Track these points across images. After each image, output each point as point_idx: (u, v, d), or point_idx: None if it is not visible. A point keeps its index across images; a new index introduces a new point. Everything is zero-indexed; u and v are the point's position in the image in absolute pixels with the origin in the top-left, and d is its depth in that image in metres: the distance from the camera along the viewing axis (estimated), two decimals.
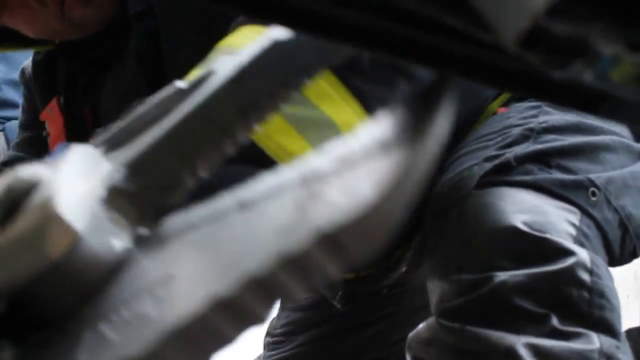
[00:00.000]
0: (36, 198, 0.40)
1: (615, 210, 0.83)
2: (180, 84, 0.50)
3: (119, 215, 0.44)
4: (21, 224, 0.40)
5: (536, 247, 0.75)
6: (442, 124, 0.33)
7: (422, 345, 0.80)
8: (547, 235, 0.76)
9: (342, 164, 0.34)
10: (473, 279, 0.75)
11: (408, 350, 0.82)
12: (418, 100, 0.35)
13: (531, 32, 0.26)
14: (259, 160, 0.67)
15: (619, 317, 0.81)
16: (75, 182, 0.42)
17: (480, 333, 0.74)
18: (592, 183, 0.82)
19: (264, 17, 0.35)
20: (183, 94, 0.49)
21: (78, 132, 1.09)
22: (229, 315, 0.35)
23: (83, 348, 0.40)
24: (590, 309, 0.77)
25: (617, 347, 0.79)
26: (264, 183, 0.39)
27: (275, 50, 0.47)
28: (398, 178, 0.31)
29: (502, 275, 0.74)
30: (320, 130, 0.70)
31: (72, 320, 0.42)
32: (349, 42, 0.34)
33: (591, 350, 0.75)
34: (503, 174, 0.80)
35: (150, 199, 0.46)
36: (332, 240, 0.31)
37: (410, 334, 0.83)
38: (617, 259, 0.87)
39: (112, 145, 0.50)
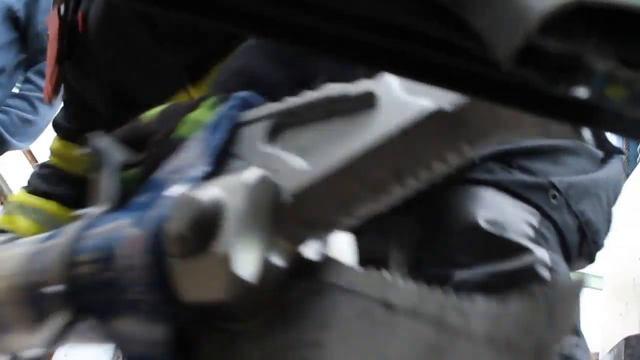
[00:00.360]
0: (219, 246, 0.48)
1: (575, 215, 0.83)
2: (344, 89, 0.53)
3: (278, 240, 0.51)
4: (211, 265, 0.48)
5: (497, 245, 0.75)
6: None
7: None
8: (507, 235, 0.76)
9: (471, 336, 0.41)
10: (433, 274, 0.74)
11: None
12: (550, 299, 0.38)
13: (525, 49, 0.26)
14: None
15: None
16: (248, 213, 0.49)
17: None
18: (553, 186, 0.82)
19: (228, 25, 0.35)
20: (349, 106, 0.52)
21: (70, 36, 1.15)
22: None
23: None
24: None
25: (577, 345, 0.78)
26: (407, 288, 0.47)
27: (437, 119, 0.47)
28: None
29: (462, 274, 0.74)
30: None
31: (242, 329, 0.52)
32: (348, 57, 0.34)
33: None
34: (466, 172, 0.80)
35: (306, 232, 0.52)
36: None
37: None
38: (573, 262, 0.87)
39: (280, 123, 0.56)
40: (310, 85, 0.67)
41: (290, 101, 0.56)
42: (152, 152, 0.68)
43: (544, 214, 0.81)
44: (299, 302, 0.51)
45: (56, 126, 1.37)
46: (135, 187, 0.66)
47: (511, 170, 0.83)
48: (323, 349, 0.48)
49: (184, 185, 0.55)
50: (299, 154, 0.52)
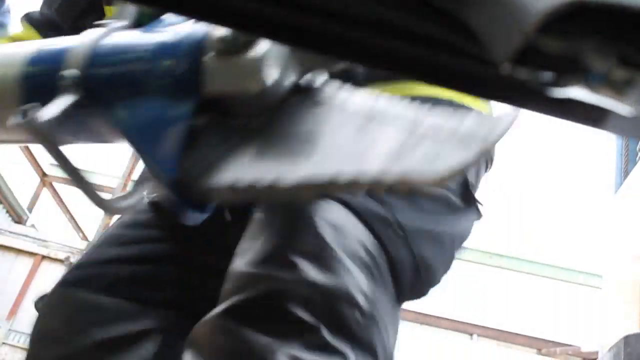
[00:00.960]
0: (254, 51, 0.61)
1: (414, 255, 0.83)
2: None
3: (294, 62, 0.64)
4: (245, 64, 0.62)
5: (326, 255, 0.76)
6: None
7: (202, 341, 0.80)
8: (338, 251, 0.76)
9: (438, 132, 0.55)
10: (259, 273, 0.75)
11: (189, 345, 0.82)
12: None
13: (524, 48, 0.26)
14: None
15: (384, 345, 0.80)
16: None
17: (249, 336, 0.74)
18: (399, 225, 0.82)
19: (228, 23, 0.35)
20: None
21: None
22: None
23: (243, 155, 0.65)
24: (359, 329, 0.77)
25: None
26: (391, 104, 0.61)
27: None
28: (463, 167, 0.52)
29: (285, 278, 0.75)
30: None
31: (241, 125, 0.66)
32: (347, 57, 0.34)
33: None
34: None
35: (314, 64, 0.65)
36: (404, 184, 0.54)
37: (195, 327, 0.83)
38: (405, 296, 0.87)
39: None
40: None
41: None
42: None
43: (382, 245, 0.82)
44: (297, 108, 0.64)
45: (27, 16, 1.35)
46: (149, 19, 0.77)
47: (363, 196, 0.84)
48: (316, 139, 0.61)
49: None
50: None
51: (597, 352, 3.50)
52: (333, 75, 0.69)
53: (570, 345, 6.48)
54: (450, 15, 0.29)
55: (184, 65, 0.65)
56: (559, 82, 0.28)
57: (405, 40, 0.33)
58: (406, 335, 5.96)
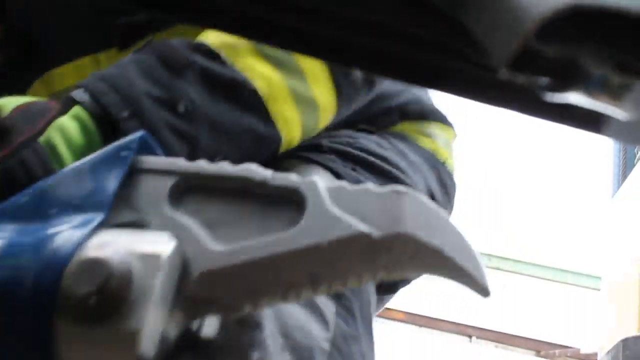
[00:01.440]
0: (126, 321, 0.45)
1: None
2: (266, 175, 0.50)
3: (175, 313, 0.48)
4: (113, 338, 0.45)
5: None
6: None
7: None
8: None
9: None
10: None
11: None
12: None
13: (521, 53, 0.26)
14: (254, 110, 0.75)
15: (367, 309, 0.79)
16: (159, 286, 0.46)
17: None
18: None
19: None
20: (270, 195, 0.50)
21: None
22: None
23: None
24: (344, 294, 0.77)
25: (353, 337, 0.77)
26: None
27: (363, 242, 0.48)
28: None
29: None
30: (308, 107, 0.78)
31: None
32: (353, 64, 0.34)
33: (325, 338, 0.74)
34: (311, 152, 0.84)
35: (205, 311, 0.51)
36: None
37: None
38: (381, 287, 0.88)
39: (184, 184, 0.52)
40: (174, 107, 0.68)
41: (199, 164, 0.53)
42: (15, 154, 0.63)
43: None
44: None
45: None
46: None
47: (352, 171, 0.85)
48: None
49: (74, 229, 0.49)
50: (207, 227, 0.50)
51: (596, 354, 3.50)
52: (225, 320, 0.55)
53: (569, 347, 6.48)
54: (449, 19, 0.29)
55: (24, 323, 0.46)
56: (557, 87, 0.29)
57: (404, 44, 0.33)
58: (404, 338, 5.96)
